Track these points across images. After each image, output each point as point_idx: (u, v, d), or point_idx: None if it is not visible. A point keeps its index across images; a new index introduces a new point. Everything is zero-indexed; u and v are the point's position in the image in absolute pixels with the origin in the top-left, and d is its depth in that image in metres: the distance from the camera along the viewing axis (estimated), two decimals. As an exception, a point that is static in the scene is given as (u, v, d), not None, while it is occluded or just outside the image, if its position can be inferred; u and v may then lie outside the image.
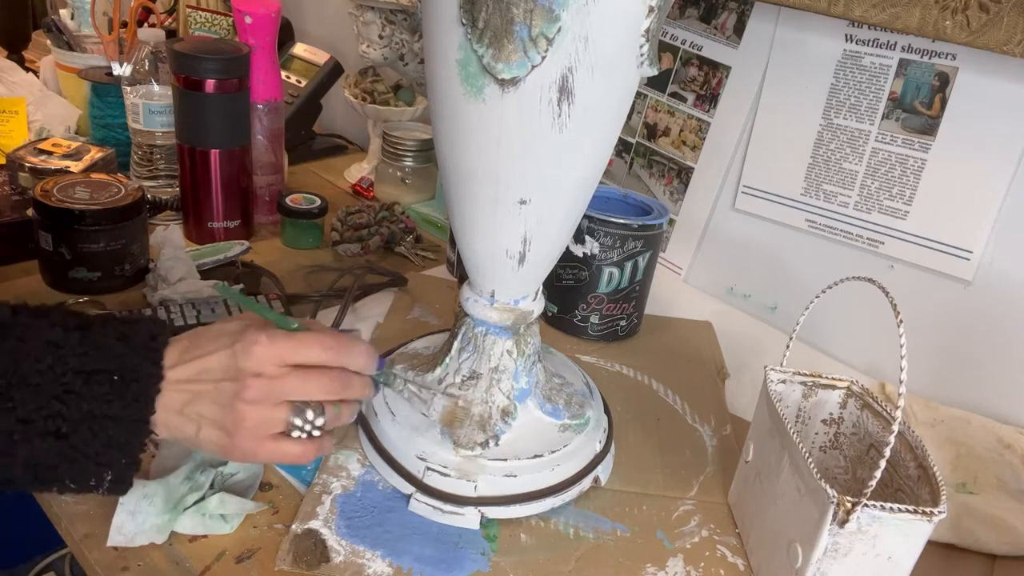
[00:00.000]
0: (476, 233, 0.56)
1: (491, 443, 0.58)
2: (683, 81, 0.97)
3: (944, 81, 0.77)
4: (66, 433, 0.43)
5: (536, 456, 0.58)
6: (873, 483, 0.46)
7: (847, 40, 0.82)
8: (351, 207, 1.01)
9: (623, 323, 0.84)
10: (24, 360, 0.42)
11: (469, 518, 0.56)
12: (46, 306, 0.45)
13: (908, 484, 0.52)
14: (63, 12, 1.26)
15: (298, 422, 0.47)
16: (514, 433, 0.60)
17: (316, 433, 0.48)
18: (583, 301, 0.82)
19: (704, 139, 0.96)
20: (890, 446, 0.46)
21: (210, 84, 0.84)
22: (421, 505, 0.57)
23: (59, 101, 1.14)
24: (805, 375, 0.60)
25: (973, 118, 0.75)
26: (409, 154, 1.10)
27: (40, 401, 0.42)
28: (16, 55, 1.36)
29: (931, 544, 0.51)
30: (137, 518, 0.51)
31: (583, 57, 0.46)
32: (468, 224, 0.56)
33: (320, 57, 1.23)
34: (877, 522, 0.47)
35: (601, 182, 0.57)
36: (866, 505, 0.46)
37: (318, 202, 0.95)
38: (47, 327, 0.43)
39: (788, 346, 0.59)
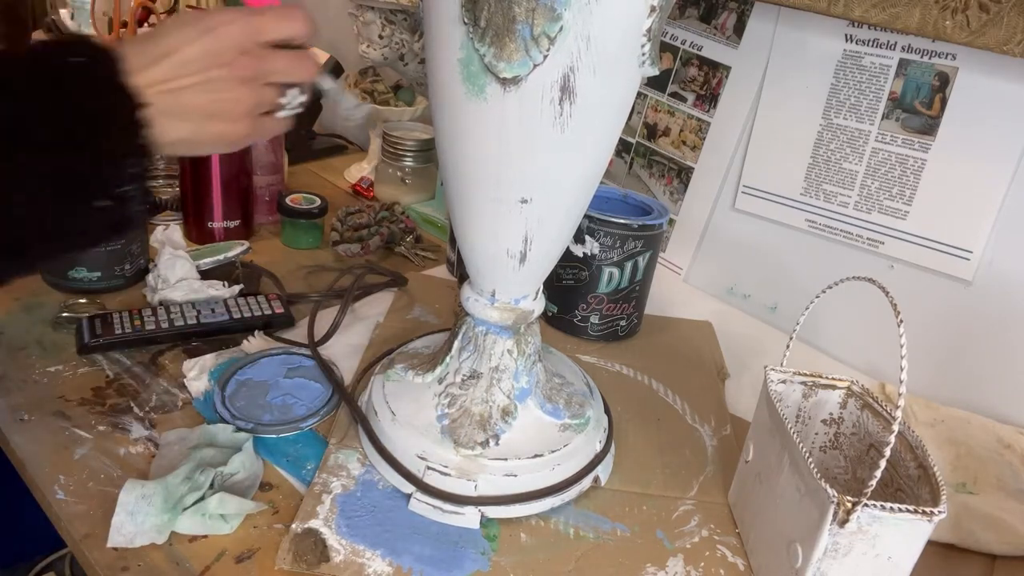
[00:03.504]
0: (477, 232, 0.56)
1: (491, 442, 0.58)
2: (683, 81, 0.97)
3: (944, 81, 0.77)
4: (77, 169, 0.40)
5: (536, 456, 0.58)
6: (873, 483, 0.46)
7: (847, 40, 0.82)
8: (351, 207, 1.01)
9: (623, 323, 0.84)
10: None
11: (469, 518, 0.56)
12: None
13: (908, 484, 0.52)
14: (63, 12, 1.26)
15: (285, 100, 0.49)
16: (514, 433, 0.60)
17: (298, 110, 0.50)
18: (583, 301, 0.82)
19: (704, 139, 0.96)
20: (890, 446, 0.46)
21: (210, 84, 0.84)
22: (421, 504, 0.57)
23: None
24: (805, 375, 0.60)
25: (973, 118, 0.76)
26: (409, 154, 1.10)
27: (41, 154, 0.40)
28: (16, 55, 1.36)
29: (931, 544, 0.51)
30: (136, 518, 0.51)
31: (585, 56, 0.46)
32: (469, 223, 0.56)
33: (320, 57, 1.23)
34: (877, 522, 0.47)
35: (601, 182, 0.57)
36: (866, 505, 0.46)
37: (318, 202, 0.95)
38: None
39: (788, 346, 0.59)
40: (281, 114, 0.49)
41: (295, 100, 0.50)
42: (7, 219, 0.40)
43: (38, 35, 1.39)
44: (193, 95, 0.44)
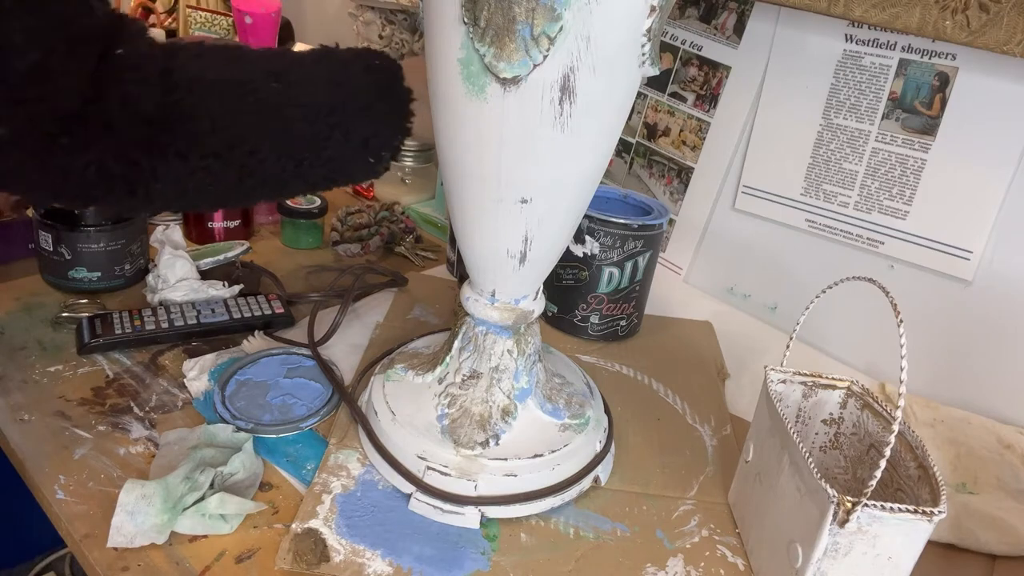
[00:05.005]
0: (477, 232, 0.56)
1: (491, 442, 0.58)
2: (683, 81, 0.97)
3: (944, 81, 0.77)
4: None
5: (536, 456, 0.58)
6: (873, 483, 0.46)
7: (847, 40, 0.82)
8: (351, 207, 1.01)
9: (623, 323, 0.84)
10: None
11: (469, 517, 0.56)
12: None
13: (908, 484, 0.52)
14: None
15: None
16: (514, 432, 0.60)
17: None
18: (583, 301, 0.82)
19: (704, 139, 0.96)
20: (890, 446, 0.46)
21: (210, 84, 0.84)
22: (421, 504, 0.57)
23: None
24: (805, 375, 0.60)
25: (973, 118, 0.76)
26: (409, 154, 1.10)
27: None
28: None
29: (931, 544, 0.51)
30: (136, 518, 0.51)
31: (585, 56, 0.46)
32: (469, 223, 0.56)
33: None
34: (877, 522, 0.47)
35: (601, 182, 0.57)
36: (866, 505, 0.46)
37: (318, 202, 0.95)
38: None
39: (788, 346, 0.59)
40: None
41: None
42: (333, 148, 0.58)
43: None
44: None
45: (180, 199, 0.56)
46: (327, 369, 0.71)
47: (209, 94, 0.52)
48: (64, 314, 0.74)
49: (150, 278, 0.79)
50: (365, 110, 0.59)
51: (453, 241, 0.94)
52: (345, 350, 0.76)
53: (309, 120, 0.56)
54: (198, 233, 0.92)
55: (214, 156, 0.52)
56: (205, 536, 0.53)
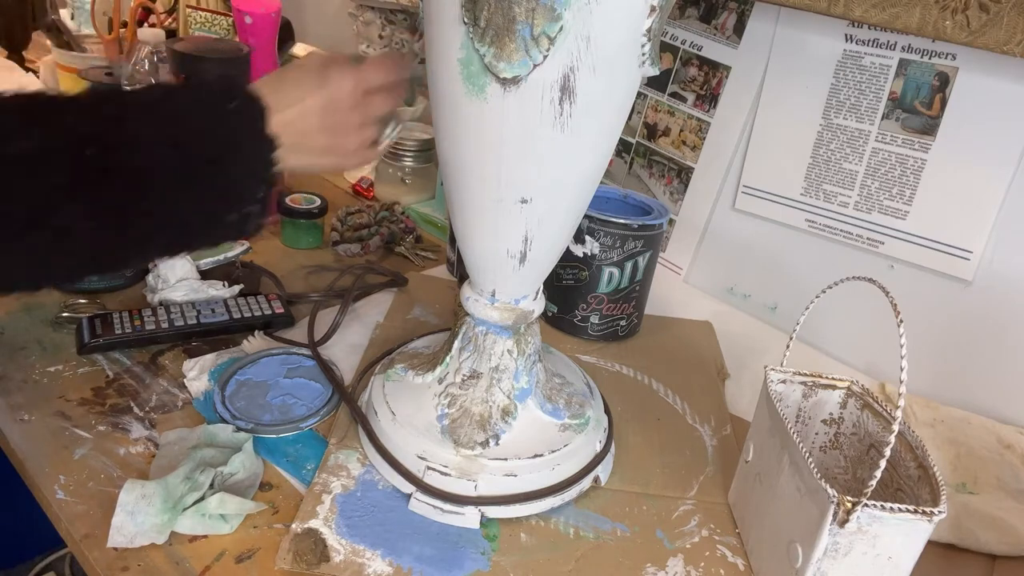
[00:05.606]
0: (477, 232, 0.56)
1: (491, 442, 0.58)
2: (683, 81, 0.97)
3: (944, 81, 0.77)
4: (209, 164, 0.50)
5: (536, 456, 0.58)
6: (873, 483, 0.46)
7: (847, 40, 0.82)
8: (351, 207, 1.01)
9: (623, 323, 0.84)
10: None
11: (469, 517, 0.56)
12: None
13: (908, 484, 0.52)
14: (63, 12, 1.26)
15: (387, 132, 0.61)
16: (514, 433, 0.60)
17: (394, 139, 0.63)
18: (583, 301, 0.82)
19: (704, 139, 0.96)
20: (890, 446, 0.46)
21: (210, 84, 0.84)
22: (421, 504, 0.57)
23: (59, 101, 1.14)
24: (805, 375, 0.60)
25: (973, 118, 0.76)
26: (409, 154, 1.10)
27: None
28: (16, 55, 1.36)
29: (931, 544, 0.51)
30: (136, 518, 0.51)
31: (585, 56, 0.46)
32: (469, 223, 0.56)
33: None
34: (877, 522, 0.47)
35: (601, 182, 0.57)
36: (866, 505, 0.46)
37: (318, 202, 0.95)
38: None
39: (788, 346, 0.59)
40: (381, 147, 0.62)
41: (392, 132, 0.62)
42: (162, 215, 0.49)
43: (38, 36, 1.39)
44: (315, 137, 0.55)
45: None
46: (327, 369, 0.71)
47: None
48: (64, 314, 0.74)
49: (150, 278, 0.79)
50: (212, 163, 0.50)
51: (453, 241, 0.94)
52: (345, 350, 0.76)
53: (133, 185, 0.47)
54: (198, 233, 0.92)
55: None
56: (205, 536, 0.53)
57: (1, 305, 0.75)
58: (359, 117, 0.57)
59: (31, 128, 0.45)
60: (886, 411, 0.56)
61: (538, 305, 0.61)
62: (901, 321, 0.47)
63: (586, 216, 0.76)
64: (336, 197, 1.10)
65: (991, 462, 0.70)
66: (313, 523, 0.54)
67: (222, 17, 1.32)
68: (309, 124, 0.54)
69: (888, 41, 0.80)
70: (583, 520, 0.59)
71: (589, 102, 0.48)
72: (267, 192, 0.53)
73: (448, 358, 0.62)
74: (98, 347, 0.69)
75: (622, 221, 0.78)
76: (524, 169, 0.51)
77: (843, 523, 0.47)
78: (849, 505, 0.46)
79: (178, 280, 0.78)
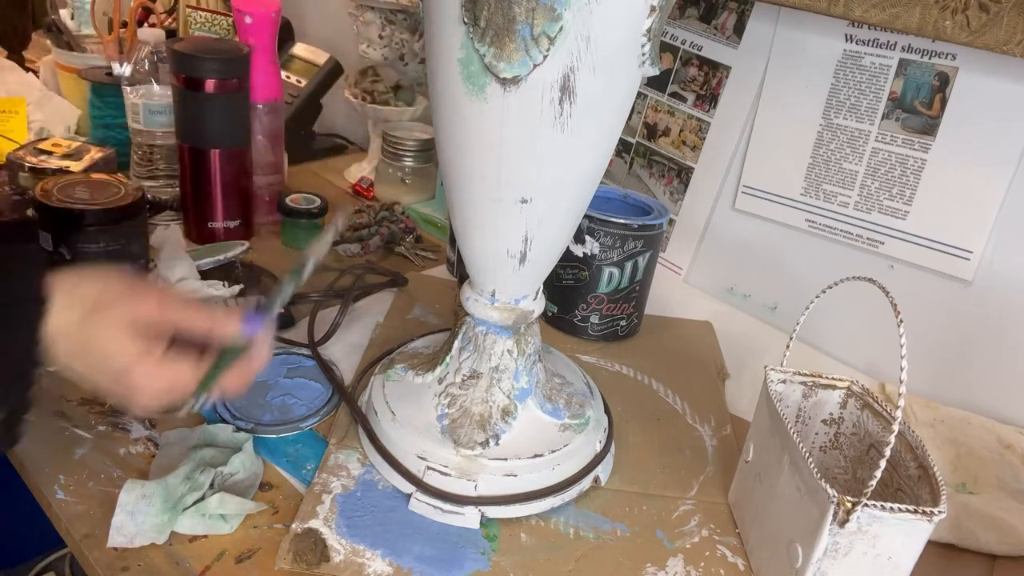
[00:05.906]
0: (477, 232, 0.56)
1: (491, 442, 0.58)
2: (683, 81, 0.97)
3: (944, 81, 0.77)
4: None
5: (536, 456, 0.58)
6: (873, 483, 0.46)
7: (847, 40, 0.82)
8: (351, 207, 1.01)
9: (623, 323, 0.84)
10: None
11: (469, 517, 0.56)
12: None
13: (908, 484, 0.52)
14: (63, 12, 1.26)
15: (191, 402, 0.49)
16: (514, 432, 0.60)
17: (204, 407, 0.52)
18: (583, 301, 0.82)
19: (704, 139, 0.96)
20: (890, 446, 0.46)
21: (210, 84, 0.84)
22: (421, 504, 0.57)
23: (59, 101, 1.14)
24: (805, 375, 0.60)
25: (973, 118, 0.76)
26: (409, 154, 1.10)
27: None
28: (16, 55, 1.36)
29: (931, 544, 0.51)
30: (136, 518, 0.51)
31: (585, 56, 0.46)
32: (469, 223, 0.56)
33: (320, 57, 1.23)
34: (877, 522, 0.47)
35: (601, 182, 0.57)
36: (866, 505, 0.46)
37: (318, 202, 0.95)
38: None
39: (788, 346, 0.59)
40: (181, 413, 0.50)
41: (199, 401, 0.49)
42: None
43: (38, 35, 1.39)
44: (97, 374, 0.46)
45: None
46: (327, 369, 0.71)
47: None
48: (64, 314, 0.73)
49: (150, 278, 0.79)
50: None
51: (453, 241, 0.94)
52: (345, 350, 0.76)
53: None
54: (198, 233, 0.92)
55: None
56: (205, 536, 0.53)
57: (1, 305, 0.75)
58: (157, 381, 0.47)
59: None
60: (886, 411, 0.56)
61: (538, 305, 0.61)
62: (901, 321, 0.47)
63: (586, 216, 0.76)
64: (336, 197, 1.10)
65: (991, 462, 0.70)
66: (313, 523, 0.54)
67: (222, 17, 1.32)
68: (94, 363, 0.46)
69: (888, 41, 0.80)
70: (583, 520, 0.59)
71: (589, 102, 0.48)
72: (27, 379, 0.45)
73: (448, 358, 0.62)
74: (98, 347, 0.69)
75: (622, 221, 0.78)
76: (524, 169, 0.51)
77: (843, 523, 0.47)
78: (849, 505, 0.46)
79: (178, 280, 0.78)
